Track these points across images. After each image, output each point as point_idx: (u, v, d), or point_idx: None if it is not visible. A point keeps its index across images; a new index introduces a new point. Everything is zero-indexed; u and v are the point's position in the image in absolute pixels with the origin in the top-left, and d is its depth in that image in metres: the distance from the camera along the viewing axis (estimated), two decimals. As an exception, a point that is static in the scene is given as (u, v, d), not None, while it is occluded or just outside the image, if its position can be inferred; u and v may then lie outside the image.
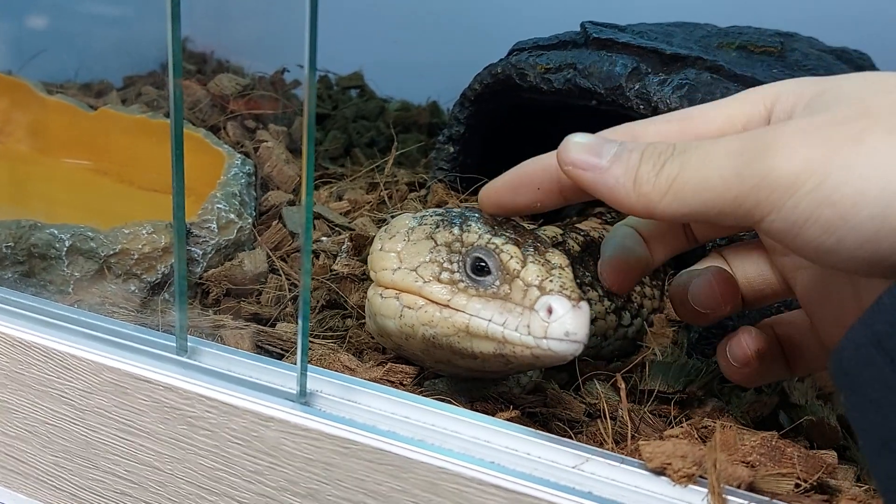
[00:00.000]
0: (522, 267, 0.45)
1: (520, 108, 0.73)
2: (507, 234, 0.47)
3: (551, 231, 0.63)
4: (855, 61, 0.76)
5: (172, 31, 0.39)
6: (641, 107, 0.62)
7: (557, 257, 0.47)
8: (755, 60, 0.70)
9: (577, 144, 0.42)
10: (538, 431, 0.42)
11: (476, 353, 0.45)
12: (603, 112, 0.66)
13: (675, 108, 0.61)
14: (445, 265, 0.47)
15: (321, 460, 0.42)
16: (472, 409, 0.49)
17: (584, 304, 0.44)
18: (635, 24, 0.75)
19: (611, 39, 0.67)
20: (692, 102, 0.60)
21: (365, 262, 0.66)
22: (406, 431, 0.41)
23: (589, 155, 0.41)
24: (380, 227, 0.70)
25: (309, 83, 0.38)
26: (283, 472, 0.43)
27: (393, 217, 0.52)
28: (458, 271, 0.46)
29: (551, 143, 0.81)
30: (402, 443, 0.40)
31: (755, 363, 0.47)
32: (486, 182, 0.74)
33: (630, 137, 0.44)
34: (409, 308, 0.47)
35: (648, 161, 0.39)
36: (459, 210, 0.51)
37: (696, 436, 0.48)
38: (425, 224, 0.49)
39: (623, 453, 0.42)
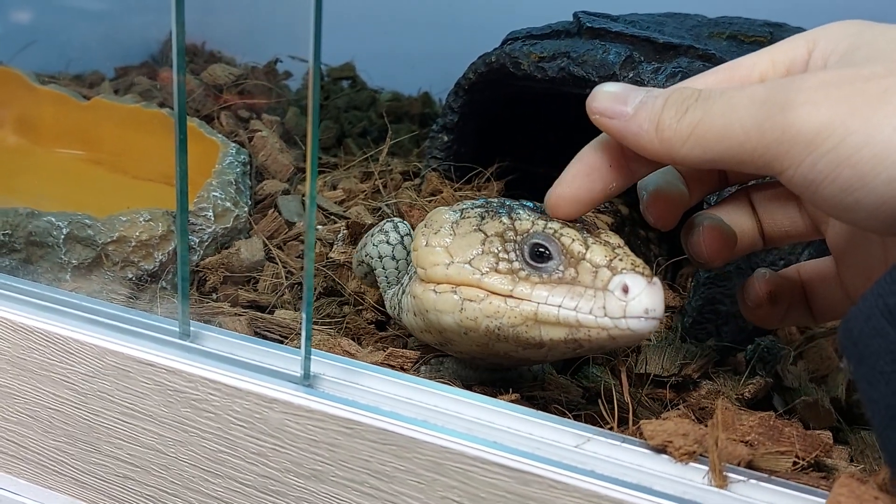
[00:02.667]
0: (586, 249, 0.44)
1: (514, 97, 0.74)
2: (557, 220, 0.46)
3: None
4: (843, 51, 0.77)
5: (177, 33, 0.40)
6: (635, 95, 0.63)
7: (613, 237, 0.46)
8: (746, 49, 0.70)
9: (606, 94, 0.42)
10: (539, 412, 0.43)
11: (545, 340, 0.44)
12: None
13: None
14: (501, 255, 0.45)
15: (325, 441, 0.42)
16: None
17: (656, 280, 0.43)
18: (627, 14, 0.76)
19: (604, 29, 0.68)
20: (686, 90, 0.61)
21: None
22: (409, 412, 0.42)
23: (615, 103, 0.42)
24: (375, 216, 0.71)
25: (313, 71, 0.38)
26: (287, 453, 0.43)
27: (430, 213, 0.51)
28: (516, 260, 0.45)
29: (545, 132, 0.82)
30: (405, 423, 0.41)
31: (767, 305, 0.48)
32: (480, 170, 0.75)
33: None
34: (471, 301, 0.45)
35: (672, 107, 0.40)
36: (499, 200, 0.50)
37: (693, 417, 0.49)
38: (469, 216, 0.48)
39: (624, 434, 0.43)
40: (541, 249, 0.45)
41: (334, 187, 0.77)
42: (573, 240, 0.45)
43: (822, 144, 0.34)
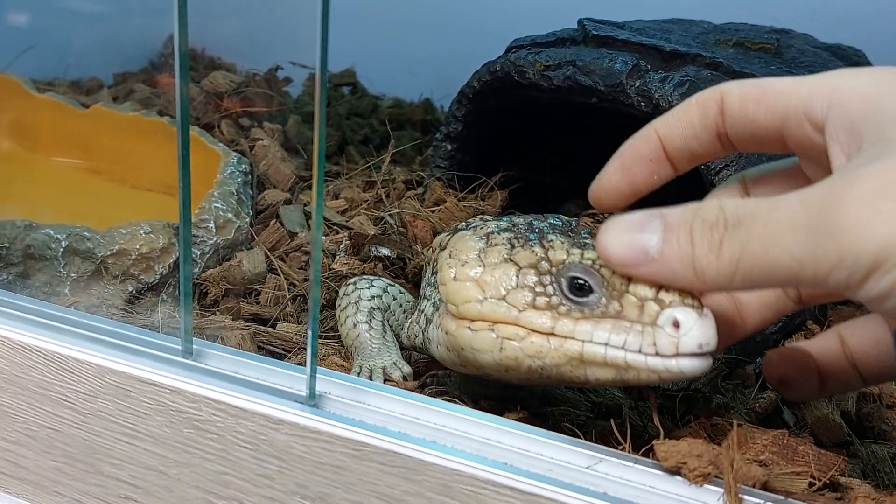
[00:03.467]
0: (629, 280, 0.41)
1: (518, 106, 0.73)
2: (590, 243, 0.44)
3: None
4: (850, 58, 0.77)
5: (180, 38, 0.39)
6: (643, 104, 0.62)
7: None
8: (752, 57, 0.70)
9: (616, 241, 0.40)
10: (550, 432, 0.42)
11: (592, 380, 0.42)
12: (602, 109, 0.66)
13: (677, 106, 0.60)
14: (538, 289, 0.43)
15: (332, 463, 0.41)
16: (478, 408, 0.48)
17: (708, 311, 0.41)
18: (632, 21, 0.75)
19: (610, 37, 0.67)
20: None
21: (364, 260, 0.65)
22: (417, 433, 0.41)
23: (632, 249, 0.39)
24: (378, 226, 0.70)
25: (321, 81, 0.37)
26: (293, 475, 0.42)
27: (451, 236, 0.48)
28: (554, 294, 0.42)
29: (550, 141, 0.81)
30: (414, 444, 0.40)
31: (783, 387, 0.48)
32: (484, 180, 0.74)
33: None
34: (511, 339, 0.43)
35: (702, 242, 0.37)
36: (525, 220, 0.47)
37: (705, 435, 0.48)
38: (497, 244, 0.45)
39: (637, 454, 0.42)
40: (580, 282, 0.42)
41: (336, 196, 0.76)
42: (613, 272, 0.42)
43: (882, 265, 0.33)
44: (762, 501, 0.39)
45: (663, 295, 0.41)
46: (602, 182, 0.46)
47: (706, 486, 0.39)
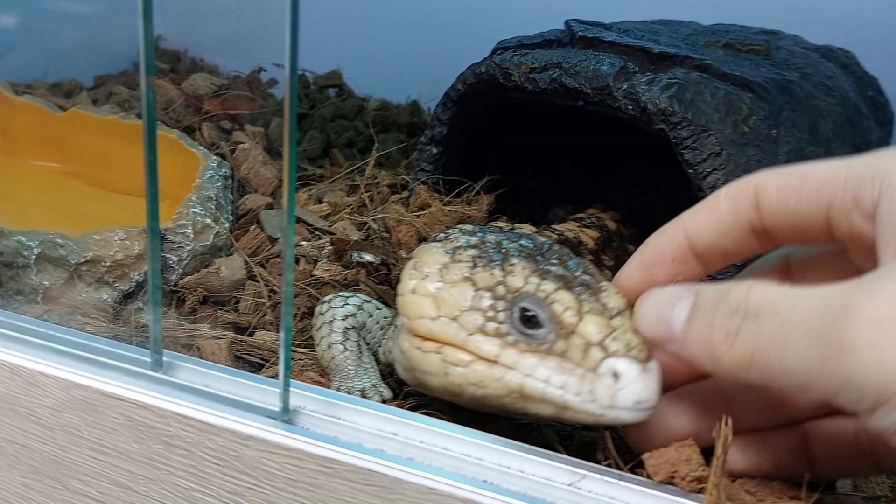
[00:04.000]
0: (579, 320, 0.40)
1: (504, 108, 0.72)
2: (555, 272, 0.42)
3: (527, 229, 0.61)
4: (840, 59, 0.76)
5: (144, 30, 0.37)
6: (630, 107, 0.60)
7: (614, 298, 0.42)
8: (742, 59, 0.69)
9: (648, 316, 0.40)
10: (531, 447, 0.41)
11: (532, 414, 0.42)
12: (589, 112, 0.64)
13: (665, 109, 0.59)
14: (489, 314, 0.41)
15: (304, 481, 0.40)
16: (459, 420, 0.47)
17: (653, 365, 0.40)
18: (619, 22, 0.74)
19: (597, 38, 0.66)
20: (682, 102, 0.59)
21: (347, 266, 0.64)
22: (393, 450, 0.40)
23: (662, 327, 0.39)
24: (361, 231, 0.69)
25: (290, 84, 0.36)
26: (264, 493, 0.41)
27: (420, 248, 0.47)
28: (505, 322, 0.41)
29: (537, 143, 0.80)
30: (389, 462, 0.39)
31: None
32: (470, 184, 0.73)
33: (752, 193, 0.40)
34: (456, 365, 0.42)
35: (721, 329, 0.36)
36: (495, 238, 0.45)
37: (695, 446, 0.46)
38: (460, 260, 0.44)
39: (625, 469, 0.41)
40: (530, 314, 0.41)
41: (320, 200, 0.74)
42: (566, 308, 0.41)
43: (889, 399, 0.31)
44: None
45: (609, 342, 0.40)
46: (622, 282, 0.44)
47: (689, 502, 0.38)
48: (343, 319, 0.52)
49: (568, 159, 0.82)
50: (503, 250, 0.44)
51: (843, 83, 0.71)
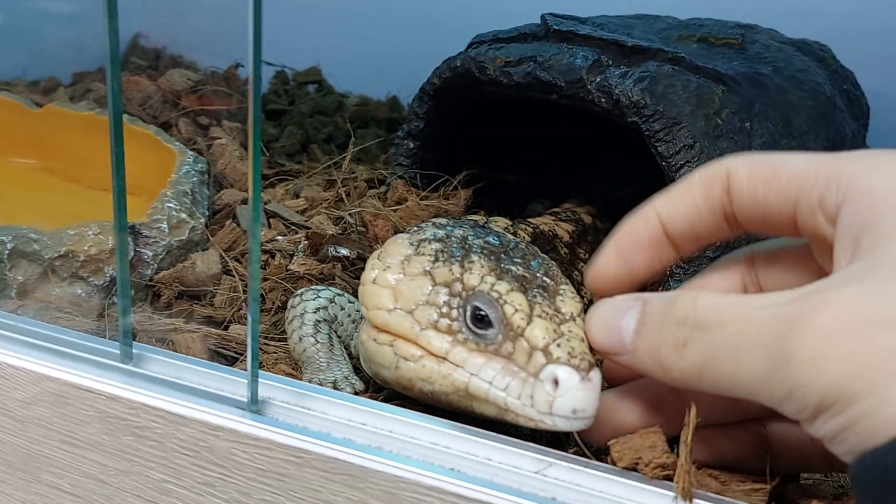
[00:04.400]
0: (528, 324, 0.40)
1: (481, 102, 0.72)
2: (514, 272, 0.42)
3: (502, 222, 0.61)
4: (816, 53, 0.76)
5: (109, 18, 0.37)
6: (603, 100, 0.61)
7: (569, 303, 0.42)
8: (716, 53, 0.69)
9: (597, 327, 0.40)
10: (498, 435, 0.41)
11: (477, 413, 0.42)
12: (564, 106, 0.65)
13: (637, 101, 0.59)
14: (444, 310, 0.42)
15: (274, 471, 0.40)
16: (430, 408, 0.47)
17: (594, 374, 0.39)
18: (595, 16, 0.74)
19: (571, 31, 0.66)
20: (654, 95, 0.59)
21: (322, 261, 0.64)
22: (362, 439, 0.40)
23: (612, 339, 0.39)
24: (337, 224, 0.69)
25: (254, 77, 0.36)
26: (235, 483, 0.41)
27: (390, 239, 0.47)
28: (458, 319, 0.41)
29: (514, 137, 0.80)
30: (357, 451, 0.39)
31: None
32: (447, 178, 0.73)
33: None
34: (406, 360, 0.42)
35: (668, 341, 0.36)
36: (462, 233, 0.45)
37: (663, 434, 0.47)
38: (424, 253, 0.44)
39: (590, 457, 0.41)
40: (481, 313, 0.41)
41: (297, 195, 0.74)
42: (516, 310, 0.40)
43: (829, 409, 0.31)
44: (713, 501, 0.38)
45: (553, 348, 0.40)
46: (599, 269, 0.43)
47: (657, 489, 0.38)
48: (314, 312, 0.52)
49: (546, 154, 0.83)
50: (466, 246, 0.44)
51: (816, 77, 0.72)
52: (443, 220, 0.48)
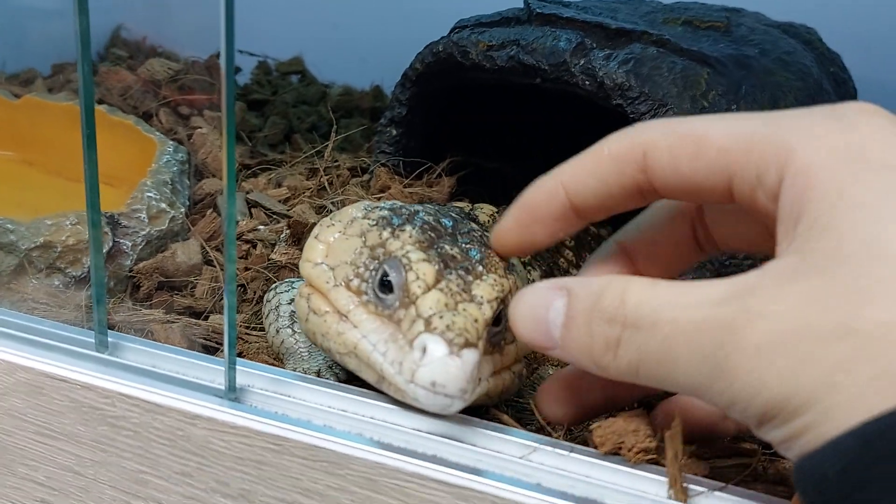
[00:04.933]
0: (424, 293, 0.39)
1: (464, 88, 0.71)
2: (444, 249, 0.41)
3: (488, 209, 0.61)
4: (802, 36, 0.75)
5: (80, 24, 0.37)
6: (587, 83, 0.60)
7: (485, 288, 0.40)
8: (701, 35, 0.68)
9: (523, 320, 0.37)
10: (482, 420, 0.40)
11: (367, 380, 0.41)
12: (548, 90, 0.64)
13: (622, 84, 0.59)
14: (360, 271, 0.42)
15: (252, 459, 0.39)
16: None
17: (468, 354, 0.38)
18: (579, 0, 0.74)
19: (554, 14, 0.65)
20: (639, 77, 0.59)
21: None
22: (342, 425, 0.39)
23: (540, 332, 0.37)
24: (320, 215, 0.68)
25: (227, 66, 0.35)
26: (213, 472, 0.40)
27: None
28: (367, 280, 0.41)
29: (498, 123, 0.79)
30: (337, 438, 0.38)
31: None
32: (430, 165, 0.72)
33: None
34: (315, 313, 0.42)
35: (600, 339, 0.35)
36: (414, 208, 0.45)
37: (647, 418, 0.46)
38: (368, 218, 0.44)
39: (576, 441, 0.40)
40: (387, 279, 0.40)
41: (279, 185, 0.73)
42: (417, 278, 0.40)
43: (772, 420, 0.31)
44: (708, 490, 0.37)
45: (435, 319, 0.38)
46: (499, 237, 0.42)
47: (647, 474, 0.37)
48: (289, 304, 0.51)
49: (530, 141, 0.82)
50: (410, 217, 0.43)
51: (803, 59, 0.71)
52: (423, 204, 0.47)
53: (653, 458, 0.38)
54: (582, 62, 0.61)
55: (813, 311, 0.30)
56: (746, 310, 0.31)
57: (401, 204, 0.46)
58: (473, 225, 0.45)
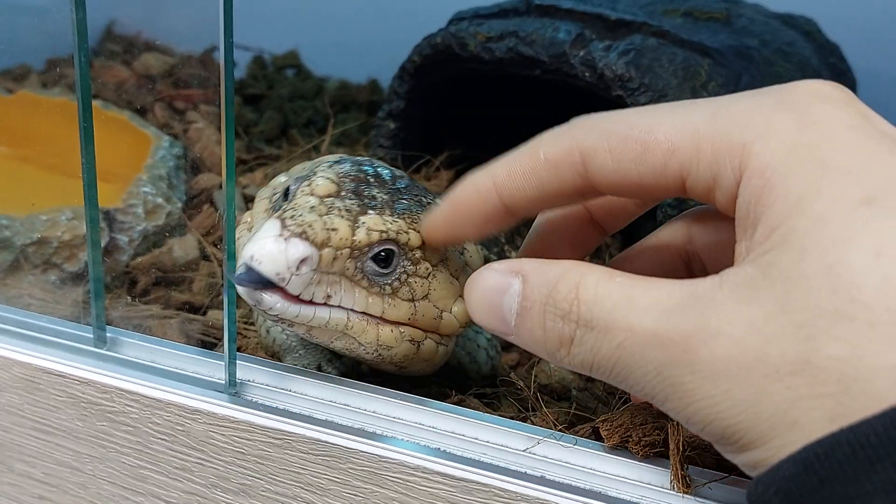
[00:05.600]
0: (303, 195, 0.39)
1: (462, 80, 0.70)
2: (363, 189, 0.41)
3: None
4: (801, 27, 0.75)
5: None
6: (587, 74, 0.60)
7: (376, 219, 0.39)
8: (701, 26, 0.68)
9: (478, 304, 0.36)
10: (486, 414, 0.40)
11: None
12: (547, 81, 0.63)
13: (622, 75, 0.58)
14: (276, 196, 0.43)
15: (253, 454, 0.39)
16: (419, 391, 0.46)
17: (297, 243, 0.36)
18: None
19: (553, 6, 0.65)
20: (639, 68, 0.58)
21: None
22: (344, 419, 0.39)
23: (496, 319, 0.36)
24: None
25: (226, 58, 0.35)
26: (213, 467, 0.39)
27: None
28: (276, 196, 0.43)
29: (496, 115, 0.79)
30: (339, 432, 0.38)
31: None
32: (428, 159, 0.72)
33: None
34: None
35: (553, 335, 0.33)
36: (368, 162, 0.44)
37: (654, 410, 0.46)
38: (313, 162, 0.45)
39: (580, 434, 0.40)
40: (288, 190, 0.41)
41: (276, 180, 0.73)
42: (309, 185, 0.40)
43: (730, 446, 0.30)
44: (708, 479, 0.37)
45: (290, 212, 0.38)
46: (429, 231, 0.40)
47: (651, 465, 0.37)
48: None
49: (529, 134, 0.81)
50: (348, 165, 0.43)
51: (803, 50, 0.71)
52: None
53: (660, 452, 0.37)
54: (581, 53, 0.60)
55: (768, 339, 0.29)
56: (701, 328, 0.30)
57: (359, 159, 0.44)
58: (428, 195, 0.44)
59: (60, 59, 0.92)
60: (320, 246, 0.37)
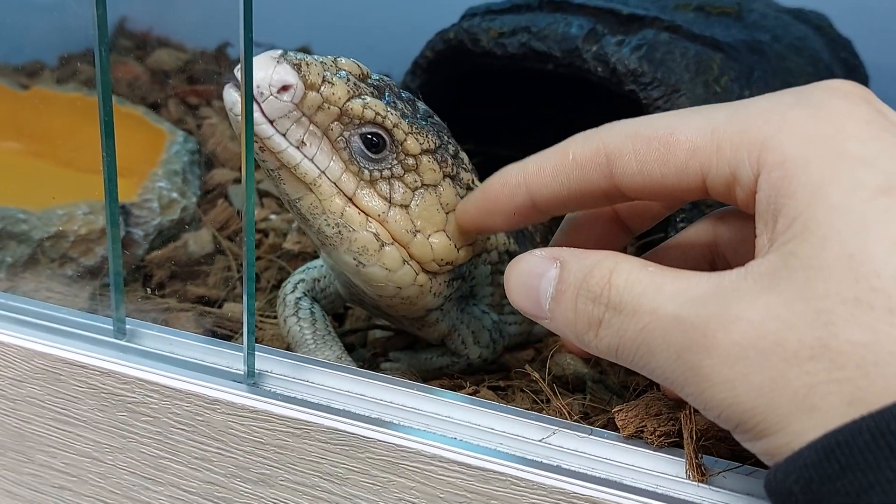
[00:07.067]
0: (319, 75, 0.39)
1: (474, 75, 0.71)
2: (392, 101, 0.42)
3: None
4: (813, 22, 0.75)
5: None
6: (599, 69, 0.60)
7: (377, 104, 0.40)
8: (713, 21, 0.68)
9: (517, 289, 0.37)
10: (501, 405, 0.40)
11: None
12: (559, 76, 0.64)
13: (634, 69, 0.59)
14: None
15: (272, 443, 0.39)
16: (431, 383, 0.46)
17: (287, 69, 0.37)
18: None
19: (566, 1, 0.65)
20: (651, 62, 0.58)
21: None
22: (362, 409, 0.39)
23: (532, 302, 0.36)
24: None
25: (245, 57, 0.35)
26: (232, 457, 0.40)
27: None
28: None
29: (508, 110, 0.79)
30: (357, 421, 0.38)
31: None
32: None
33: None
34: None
35: (583, 317, 0.34)
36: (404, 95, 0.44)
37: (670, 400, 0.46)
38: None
39: (595, 425, 0.40)
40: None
41: (290, 175, 0.73)
42: (340, 85, 0.39)
43: (746, 433, 0.31)
44: (724, 469, 0.37)
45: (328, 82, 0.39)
46: (464, 212, 0.43)
47: (665, 455, 0.38)
48: (292, 291, 0.51)
49: (542, 128, 0.82)
50: (391, 83, 0.44)
51: (814, 44, 0.71)
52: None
53: (675, 442, 0.38)
54: (594, 48, 0.60)
55: (788, 324, 0.29)
56: (722, 314, 0.30)
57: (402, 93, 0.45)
58: (450, 137, 0.46)
59: (74, 55, 0.92)
60: (308, 87, 0.38)
